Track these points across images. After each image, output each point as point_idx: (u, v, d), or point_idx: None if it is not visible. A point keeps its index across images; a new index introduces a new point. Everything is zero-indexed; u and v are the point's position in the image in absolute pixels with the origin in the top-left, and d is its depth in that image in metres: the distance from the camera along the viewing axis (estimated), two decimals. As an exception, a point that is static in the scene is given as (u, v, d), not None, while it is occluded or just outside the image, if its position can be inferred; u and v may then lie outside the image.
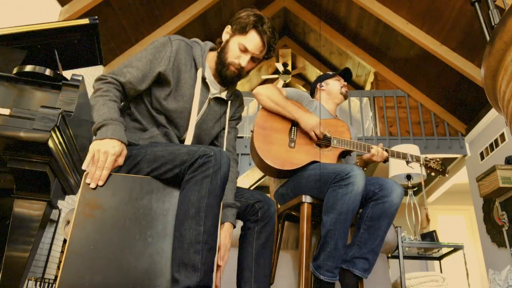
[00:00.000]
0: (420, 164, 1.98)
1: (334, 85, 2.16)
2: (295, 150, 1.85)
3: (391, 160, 3.48)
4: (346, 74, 2.22)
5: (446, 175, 2.03)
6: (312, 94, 2.24)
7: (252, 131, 1.87)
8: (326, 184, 1.64)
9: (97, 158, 1.14)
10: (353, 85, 6.91)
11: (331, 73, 2.24)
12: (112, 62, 4.32)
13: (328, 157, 1.86)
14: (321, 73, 2.35)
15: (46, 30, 1.30)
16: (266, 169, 1.83)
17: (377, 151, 1.88)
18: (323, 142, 1.90)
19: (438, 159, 2.02)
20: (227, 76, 1.42)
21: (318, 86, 2.20)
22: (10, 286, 1.07)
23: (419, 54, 4.58)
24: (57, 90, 1.12)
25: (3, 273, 1.07)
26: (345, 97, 2.17)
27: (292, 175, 1.84)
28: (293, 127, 1.90)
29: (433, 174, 2.01)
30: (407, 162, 1.95)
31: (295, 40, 6.99)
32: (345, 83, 2.18)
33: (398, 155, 1.94)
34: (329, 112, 2.10)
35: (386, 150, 1.91)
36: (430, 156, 2.08)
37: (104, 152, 1.14)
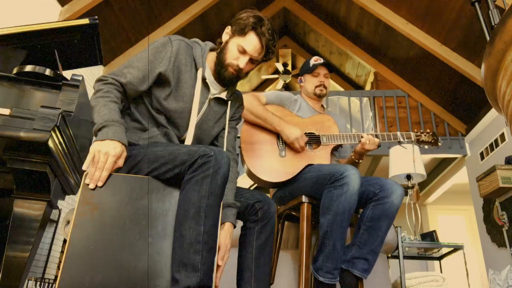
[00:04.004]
0: (412, 140, 1.95)
1: (310, 83, 2.06)
2: (287, 158, 1.83)
3: (391, 160, 3.48)
4: (326, 65, 2.07)
5: (439, 144, 1.99)
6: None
7: (239, 147, 1.86)
8: (323, 186, 1.64)
9: (97, 159, 1.14)
10: (353, 85, 6.91)
11: (311, 63, 2.06)
12: (112, 62, 4.32)
13: (321, 157, 1.85)
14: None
15: (46, 30, 1.30)
16: (262, 183, 1.82)
17: (367, 139, 1.84)
18: (313, 141, 1.89)
19: (428, 131, 1.99)
20: (226, 77, 1.42)
21: (298, 81, 2.16)
22: (10, 286, 1.07)
23: (419, 54, 4.57)
24: (57, 90, 1.12)
25: (3, 273, 1.07)
26: (320, 96, 2.06)
27: (289, 182, 1.83)
28: (280, 136, 1.87)
29: (426, 147, 1.98)
30: (400, 143, 1.94)
31: (295, 40, 6.99)
32: (325, 78, 2.05)
33: (388, 137, 1.92)
34: (313, 109, 2.06)
35: (376, 136, 1.88)
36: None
37: (105, 153, 1.14)
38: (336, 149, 1.96)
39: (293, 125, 1.85)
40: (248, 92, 1.86)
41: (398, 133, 1.93)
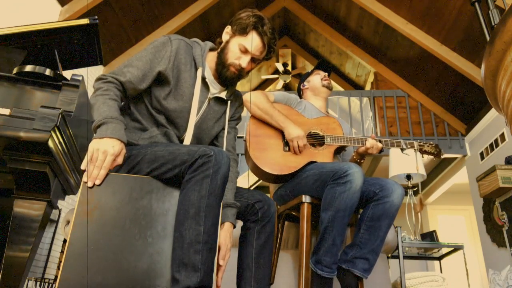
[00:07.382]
0: (415, 149, 1.98)
1: (315, 80, 2.18)
2: (290, 153, 1.85)
3: (391, 160, 3.48)
4: (322, 66, 2.24)
5: (442, 156, 2.03)
6: (300, 96, 2.27)
7: (245, 140, 1.88)
8: (325, 183, 1.64)
9: (96, 157, 1.13)
10: (353, 85, 6.91)
11: (309, 71, 2.27)
12: (112, 62, 4.32)
13: (324, 155, 1.86)
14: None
15: (46, 30, 1.30)
16: (264, 176, 1.83)
17: (372, 144, 1.88)
18: (317, 141, 1.90)
19: (431, 143, 2.03)
20: (227, 77, 1.43)
21: (301, 87, 2.25)
22: (10, 286, 1.07)
23: (419, 54, 4.57)
24: (57, 90, 1.12)
25: (3, 273, 1.07)
26: (329, 88, 2.17)
27: (290, 178, 1.84)
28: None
29: (429, 157, 2.02)
30: (402, 150, 1.96)
31: (295, 40, 6.99)
32: (326, 75, 2.19)
33: (392, 144, 1.94)
34: (318, 110, 2.11)
35: (380, 141, 1.91)
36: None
37: (103, 152, 1.13)
38: (339, 152, 1.98)
39: (298, 124, 1.88)
40: (252, 91, 1.89)
41: (402, 140, 1.96)
